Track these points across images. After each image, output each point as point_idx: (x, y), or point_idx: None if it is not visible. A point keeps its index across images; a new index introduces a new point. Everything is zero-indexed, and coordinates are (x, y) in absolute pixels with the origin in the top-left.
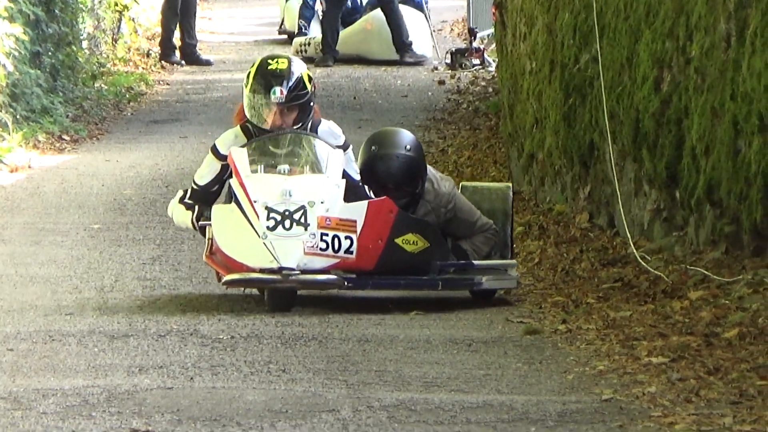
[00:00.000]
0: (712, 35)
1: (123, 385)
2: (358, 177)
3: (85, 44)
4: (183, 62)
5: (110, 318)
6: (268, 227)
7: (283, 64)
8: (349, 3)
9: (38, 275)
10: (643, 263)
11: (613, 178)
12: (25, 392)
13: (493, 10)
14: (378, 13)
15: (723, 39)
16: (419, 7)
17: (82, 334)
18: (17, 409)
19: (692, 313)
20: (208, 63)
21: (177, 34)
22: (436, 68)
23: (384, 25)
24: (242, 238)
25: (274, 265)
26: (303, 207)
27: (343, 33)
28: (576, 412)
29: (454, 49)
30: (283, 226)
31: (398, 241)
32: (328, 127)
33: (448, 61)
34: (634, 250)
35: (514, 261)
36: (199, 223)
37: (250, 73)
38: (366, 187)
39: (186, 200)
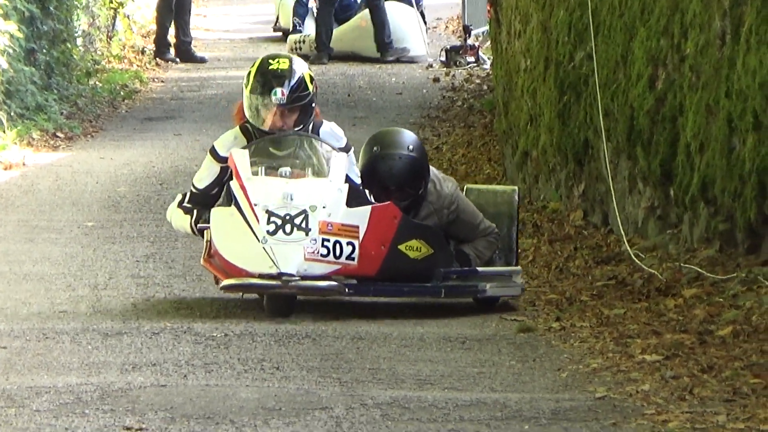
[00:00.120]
0: (707, 33)
1: (116, 382)
2: (359, 180)
3: (79, 41)
4: (178, 59)
5: (104, 315)
6: (268, 231)
7: (284, 64)
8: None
9: (32, 273)
10: (637, 261)
11: (608, 176)
12: (19, 390)
13: (488, 8)
14: None
15: (718, 37)
16: (409, 2)
17: (76, 332)
18: (10, 406)
19: (686, 311)
20: (202, 60)
21: (172, 31)
22: (431, 66)
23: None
24: (241, 242)
25: (274, 271)
26: (304, 211)
27: (338, 30)
28: (569, 410)
29: (448, 47)
30: (284, 231)
31: (401, 247)
32: (329, 128)
33: (443, 58)
34: (628, 248)
35: (518, 268)
36: (198, 226)
37: (250, 72)
38: (366, 191)
39: (185, 204)
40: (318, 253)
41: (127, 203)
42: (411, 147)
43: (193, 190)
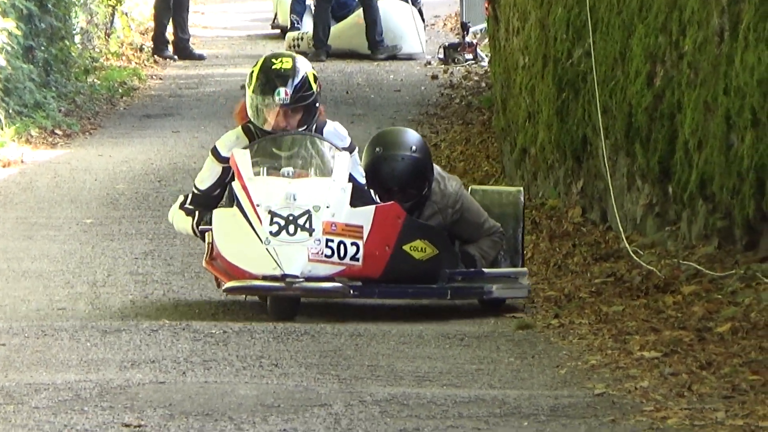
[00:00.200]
0: (705, 30)
1: (115, 379)
2: (363, 180)
3: (77, 39)
4: (176, 57)
5: (102, 313)
6: (271, 232)
7: (287, 64)
8: None
9: (30, 270)
10: (635, 258)
11: (606, 173)
12: (18, 387)
13: (486, 5)
14: None
15: (716, 34)
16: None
17: (75, 329)
18: (9, 403)
19: (685, 307)
20: (200, 58)
21: (170, 28)
22: (429, 63)
23: (385, 19)
24: (244, 244)
25: (277, 272)
26: (308, 211)
27: (336, 28)
28: (568, 407)
29: (447, 44)
30: (287, 232)
31: (406, 247)
32: (333, 128)
33: (441, 55)
34: (627, 245)
35: (525, 269)
36: (200, 227)
37: (253, 72)
38: (372, 191)
39: (186, 206)
40: (322, 253)
41: (126, 200)
42: (414, 147)
43: (195, 192)
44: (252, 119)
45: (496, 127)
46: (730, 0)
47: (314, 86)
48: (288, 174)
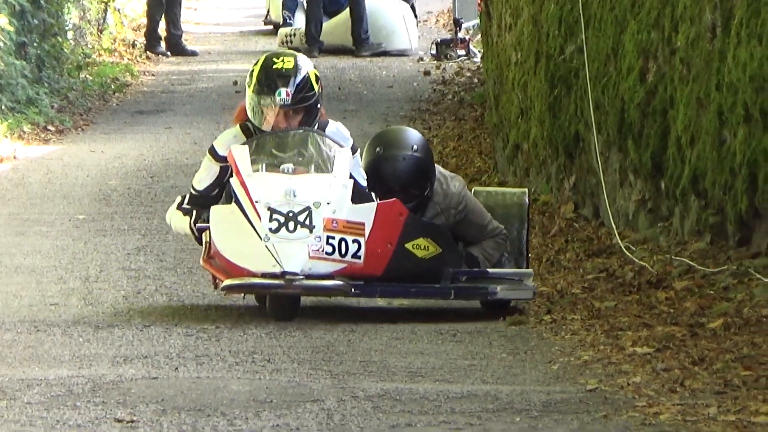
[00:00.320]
0: (698, 26)
1: (108, 375)
2: (365, 183)
3: (70, 35)
4: (168, 53)
5: (95, 308)
6: (270, 229)
7: (289, 63)
8: None
9: (23, 266)
10: (628, 254)
11: (598, 169)
12: (10, 382)
13: (479, 1)
14: None
15: (708, 29)
16: None
17: (67, 324)
18: (2, 399)
19: (677, 303)
20: (193, 54)
21: (162, 24)
22: (422, 59)
23: (373, 15)
24: (243, 241)
25: (277, 270)
26: (308, 208)
27: (329, 24)
28: (560, 402)
29: (439, 40)
30: (287, 228)
31: (408, 245)
32: (336, 128)
33: (434, 51)
34: (619, 241)
35: (530, 270)
36: (197, 226)
37: (253, 71)
38: (373, 194)
39: (184, 206)
40: (323, 251)
41: (118, 196)
42: (415, 147)
43: (193, 192)
44: (252, 120)
45: (489, 123)
46: None
47: (316, 87)
48: (288, 170)
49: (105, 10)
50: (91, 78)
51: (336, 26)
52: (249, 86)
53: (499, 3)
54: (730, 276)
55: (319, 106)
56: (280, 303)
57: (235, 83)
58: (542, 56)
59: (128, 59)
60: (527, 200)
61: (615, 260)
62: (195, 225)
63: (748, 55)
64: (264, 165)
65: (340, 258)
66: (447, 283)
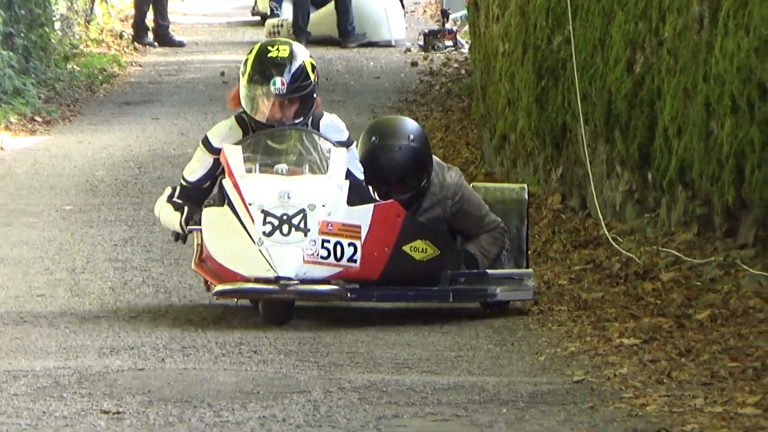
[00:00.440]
0: (685, 16)
1: (94, 366)
2: (361, 176)
3: (57, 25)
4: (156, 44)
5: (82, 299)
6: (264, 233)
7: (284, 52)
8: None
9: (9, 256)
10: (615, 245)
11: (586, 160)
12: None
13: None
14: None
15: (696, 20)
16: None
17: (54, 316)
18: None
19: (664, 294)
20: (180, 44)
21: (150, 15)
22: (409, 50)
23: (356, 7)
24: (236, 245)
25: (271, 275)
26: (303, 210)
27: (316, 15)
28: (547, 394)
29: (427, 31)
30: (281, 232)
31: (406, 248)
32: (330, 120)
33: (421, 42)
34: (606, 232)
35: (530, 270)
36: (188, 228)
37: (247, 60)
38: (370, 188)
39: (175, 199)
40: (318, 255)
41: (105, 187)
42: (412, 136)
43: (184, 184)
44: (246, 110)
45: (476, 113)
46: None
47: (312, 76)
48: (282, 171)
49: (92, 1)
50: (78, 69)
51: (323, 17)
52: (243, 75)
53: None
54: (717, 267)
55: (315, 96)
56: (273, 308)
57: (223, 74)
58: (530, 47)
59: (115, 50)
60: (527, 196)
61: (602, 251)
62: (187, 225)
63: (735, 46)
64: (257, 166)
65: (335, 262)
66: (445, 285)
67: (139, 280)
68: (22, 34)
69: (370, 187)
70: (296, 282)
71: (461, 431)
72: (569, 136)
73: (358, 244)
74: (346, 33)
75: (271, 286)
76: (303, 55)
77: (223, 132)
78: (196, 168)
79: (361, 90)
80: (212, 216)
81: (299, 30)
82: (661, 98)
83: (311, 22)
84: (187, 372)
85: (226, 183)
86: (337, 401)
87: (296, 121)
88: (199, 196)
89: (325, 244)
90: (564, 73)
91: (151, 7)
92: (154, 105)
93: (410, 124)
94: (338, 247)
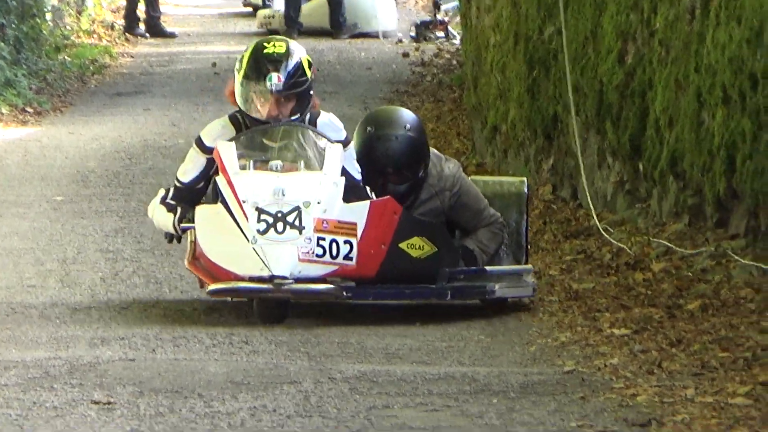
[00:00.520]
0: (677, 7)
1: (85, 356)
2: (359, 177)
3: (49, 16)
4: (147, 35)
5: (72, 290)
6: (258, 231)
7: (280, 48)
8: None
9: (0, 247)
10: (606, 235)
11: (577, 151)
12: None
13: None
14: None
15: (687, 11)
16: None
17: (44, 306)
18: None
19: (655, 285)
20: (172, 35)
21: (141, 6)
22: (401, 41)
23: None
24: (229, 243)
25: (265, 273)
26: (297, 208)
27: (307, 6)
28: (538, 384)
29: (418, 22)
30: (276, 230)
31: (403, 245)
32: (328, 119)
33: (413, 33)
34: (597, 222)
35: (529, 266)
36: (181, 226)
37: (243, 56)
38: (368, 188)
39: (168, 201)
40: (313, 253)
41: (96, 178)
42: (408, 126)
43: (177, 185)
44: (241, 107)
45: (467, 104)
46: None
47: (309, 73)
48: (276, 168)
49: None
50: (69, 59)
51: (314, 8)
52: (239, 72)
53: None
54: (708, 257)
55: (311, 93)
56: (268, 307)
57: (214, 65)
58: (521, 38)
59: (107, 41)
60: (526, 190)
61: (593, 242)
62: (180, 224)
63: (726, 37)
64: (252, 162)
65: (331, 260)
66: (443, 283)
67: (129, 271)
68: (14, 25)
69: (368, 188)
70: (291, 281)
71: (452, 421)
72: (560, 126)
73: (354, 241)
74: (337, 24)
75: (265, 285)
76: (300, 52)
77: (216, 131)
78: (189, 168)
79: (352, 81)
80: (205, 213)
81: (291, 21)
82: (652, 89)
83: (303, 14)
84: (177, 362)
85: (220, 180)
86: (327, 392)
87: (292, 119)
88: (193, 197)
89: (321, 242)
90: (555, 64)
91: None
92: (146, 96)
93: (407, 114)
94: (334, 245)
